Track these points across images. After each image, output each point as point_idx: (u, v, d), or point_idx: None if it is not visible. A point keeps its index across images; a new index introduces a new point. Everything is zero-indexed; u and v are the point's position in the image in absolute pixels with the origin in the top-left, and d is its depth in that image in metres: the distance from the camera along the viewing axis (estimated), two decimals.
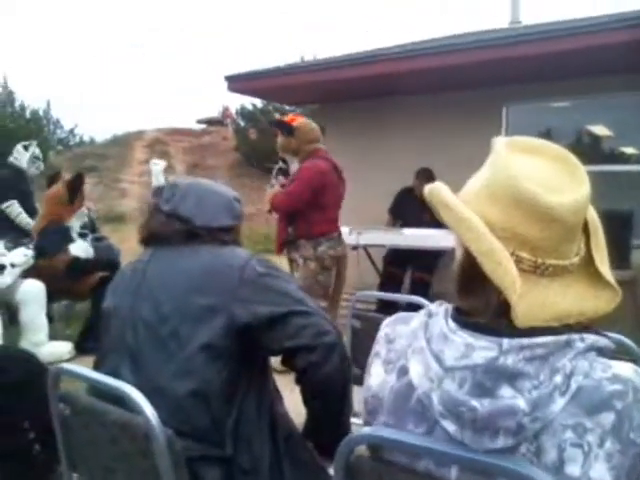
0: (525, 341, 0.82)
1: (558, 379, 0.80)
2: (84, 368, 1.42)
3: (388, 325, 1.04)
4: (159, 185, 5.37)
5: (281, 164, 4.05)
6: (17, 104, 15.15)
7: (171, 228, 1.51)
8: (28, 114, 15.32)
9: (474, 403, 0.82)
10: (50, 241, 4.61)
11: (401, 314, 1.06)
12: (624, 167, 5.55)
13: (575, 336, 0.84)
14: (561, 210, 0.84)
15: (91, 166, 13.19)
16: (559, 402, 0.79)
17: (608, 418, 0.78)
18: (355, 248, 4.93)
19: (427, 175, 5.49)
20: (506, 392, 0.81)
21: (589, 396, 0.80)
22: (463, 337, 0.87)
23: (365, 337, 2.23)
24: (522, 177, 0.86)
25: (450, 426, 0.85)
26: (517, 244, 0.85)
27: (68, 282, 4.48)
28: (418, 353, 0.92)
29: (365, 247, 5.20)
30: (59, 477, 2.37)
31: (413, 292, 4.86)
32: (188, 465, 1.23)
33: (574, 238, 0.89)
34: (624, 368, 0.83)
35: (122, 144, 16.00)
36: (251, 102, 16.03)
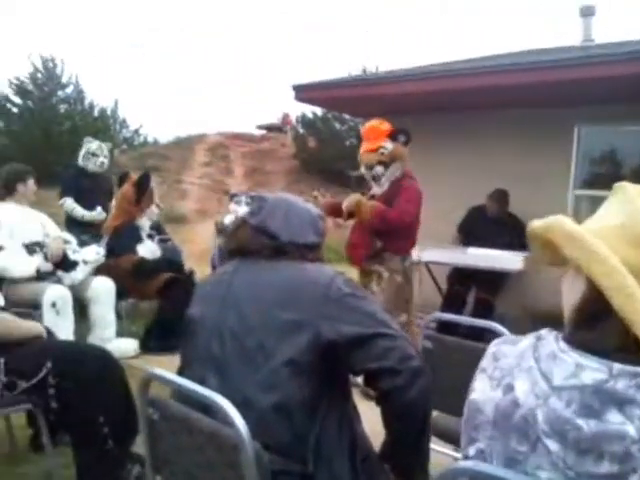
0: (638, 369, 0.81)
1: None
2: (175, 375, 1.46)
3: (495, 344, 1.05)
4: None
5: (364, 172, 3.97)
6: (86, 102, 15.70)
7: (259, 242, 1.54)
8: (96, 112, 15.85)
9: (580, 422, 0.81)
10: (120, 241, 4.77)
11: (509, 336, 1.09)
12: None
13: None
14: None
15: (154, 166, 13.51)
16: None
17: None
18: (416, 264, 4.89)
19: (501, 197, 5.39)
20: (615, 417, 0.80)
21: None
22: (573, 357, 0.87)
23: (438, 359, 2.22)
24: None
25: (553, 445, 0.84)
26: None
27: (134, 282, 4.62)
28: (526, 372, 0.92)
29: (427, 264, 5.15)
30: (128, 474, 2.46)
31: (476, 313, 4.79)
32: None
33: None
34: None
35: (184, 146, 16.37)
36: (311, 110, 16.15)
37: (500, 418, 0.93)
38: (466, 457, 1.00)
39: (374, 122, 3.97)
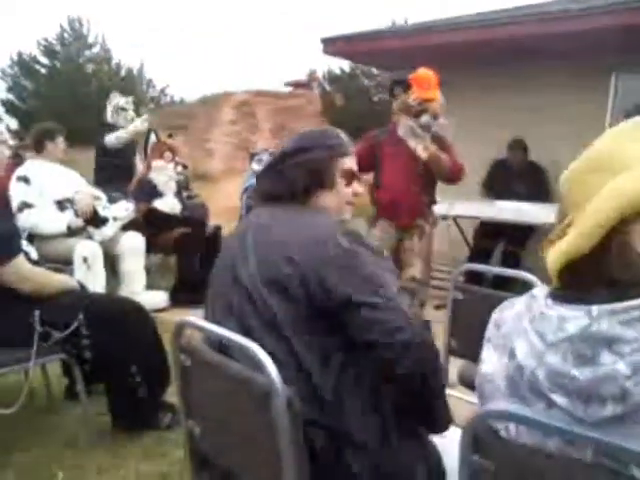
0: (617, 305, 0.82)
1: None
2: (206, 322, 1.45)
3: (497, 311, 1.06)
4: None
5: (411, 123, 3.74)
6: (113, 63, 15.71)
7: (276, 187, 1.52)
8: (123, 72, 15.85)
9: (574, 372, 0.83)
10: (134, 195, 4.84)
11: (509, 300, 1.07)
12: None
13: None
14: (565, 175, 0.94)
15: (180, 125, 13.52)
16: None
17: None
18: (445, 218, 4.84)
19: (521, 146, 5.31)
20: (607, 358, 0.81)
21: None
22: (556, 310, 0.90)
23: (466, 309, 2.20)
24: None
25: (560, 399, 0.86)
26: None
27: (147, 233, 4.62)
28: (523, 334, 0.93)
29: (455, 219, 5.09)
30: (161, 421, 2.52)
31: (503, 266, 4.74)
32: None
33: (570, 204, 0.93)
34: None
35: (210, 105, 16.29)
36: (339, 66, 15.88)
37: (512, 384, 0.94)
38: None
39: (424, 71, 3.81)
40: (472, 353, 1.98)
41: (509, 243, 5.11)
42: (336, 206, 1.53)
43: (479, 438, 0.97)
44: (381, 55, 6.38)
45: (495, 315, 1.05)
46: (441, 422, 1.41)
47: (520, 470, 0.93)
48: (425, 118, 3.67)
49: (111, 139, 5.28)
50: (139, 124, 5.27)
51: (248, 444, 1.32)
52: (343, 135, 1.58)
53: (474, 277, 4.67)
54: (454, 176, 3.74)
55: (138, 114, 5.91)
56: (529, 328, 0.93)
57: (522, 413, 0.90)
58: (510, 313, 1.01)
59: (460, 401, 2.05)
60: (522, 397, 0.92)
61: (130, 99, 5.75)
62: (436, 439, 1.45)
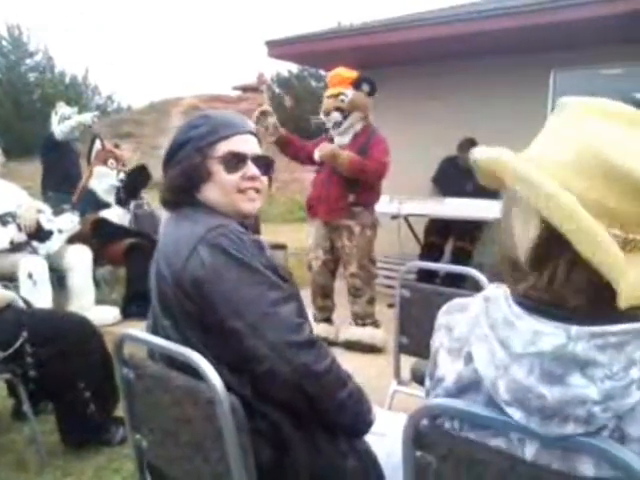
0: (596, 329, 0.79)
1: (635, 373, 0.76)
2: (147, 334, 1.44)
3: (445, 314, 1.02)
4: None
5: (324, 119, 3.84)
6: (56, 70, 15.32)
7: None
8: (67, 80, 15.48)
9: (543, 390, 0.80)
10: (79, 206, 4.74)
11: (453, 302, 1.03)
12: None
13: None
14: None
15: (128, 132, 13.30)
16: (636, 395, 0.76)
17: None
18: (395, 217, 4.89)
19: (471, 145, 5.40)
20: (577, 381, 0.78)
21: None
22: (530, 323, 0.84)
23: (415, 306, 2.23)
24: (614, 150, 0.80)
25: (515, 413, 0.83)
26: (609, 220, 0.79)
27: (95, 245, 4.53)
28: (482, 340, 0.89)
29: (406, 217, 5.15)
30: (113, 436, 2.47)
31: (454, 262, 4.82)
32: None
33: None
34: None
35: (159, 110, 16.07)
36: (287, 69, 15.90)
37: (467, 388, 0.92)
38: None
39: (340, 69, 3.86)
40: (422, 350, 2.02)
41: (459, 240, 5.20)
42: (222, 198, 1.38)
43: (421, 433, 0.98)
44: (325, 56, 6.41)
45: (444, 319, 1.01)
46: (356, 428, 1.39)
47: (462, 465, 0.93)
48: (333, 115, 3.72)
49: (58, 130, 5.47)
50: (87, 116, 5.48)
51: (197, 453, 1.32)
52: (220, 117, 1.44)
53: (426, 275, 4.76)
54: (361, 175, 3.66)
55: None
56: (490, 335, 0.88)
57: (465, 408, 0.90)
58: (462, 317, 0.97)
59: (413, 398, 2.09)
60: (475, 401, 0.90)
61: (75, 109, 5.69)
62: (379, 439, 1.46)
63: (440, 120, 5.84)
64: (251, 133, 1.45)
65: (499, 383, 0.85)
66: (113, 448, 2.44)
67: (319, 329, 3.75)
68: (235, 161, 1.38)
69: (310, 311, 3.83)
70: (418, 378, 2.03)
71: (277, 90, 16.43)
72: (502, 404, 0.84)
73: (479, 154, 0.90)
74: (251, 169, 1.40)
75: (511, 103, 5.50)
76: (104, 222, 4.70)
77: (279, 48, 6.37)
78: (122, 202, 4.97)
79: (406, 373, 2.16)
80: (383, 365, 3.10)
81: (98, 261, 4.59)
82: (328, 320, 4.02)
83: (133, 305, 4.41)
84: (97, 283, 4.59)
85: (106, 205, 4.84)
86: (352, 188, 3.72)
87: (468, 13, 5.41)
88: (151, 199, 5.50)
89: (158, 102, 17.22)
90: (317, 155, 3.73)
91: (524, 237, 0.88)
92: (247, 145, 1.41)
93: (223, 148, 1.38)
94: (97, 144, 5.00)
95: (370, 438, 1.45)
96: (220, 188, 1.38)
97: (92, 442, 2.43)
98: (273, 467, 1.29)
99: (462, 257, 4.96)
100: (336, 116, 3.71)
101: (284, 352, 1.23)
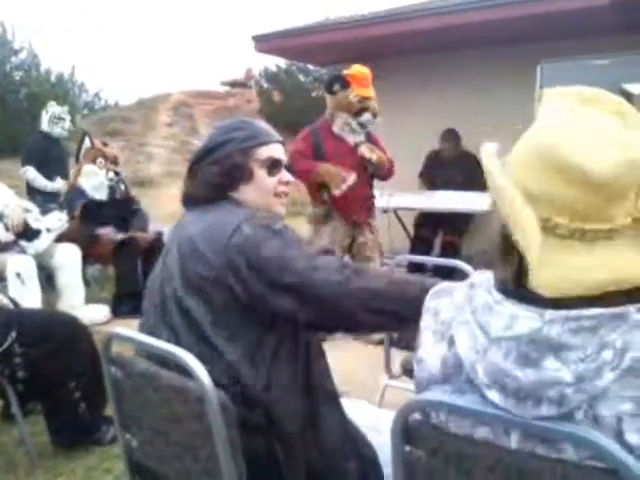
0: (571, 313, 0.80)
1: (608, 355, 0.77)
2: (135, 332, 1.43)
3: (432, 298, 1.03)
4: None
5: (350, 120, 3.78)
6: (42, 69, 15.15)
7: (195, 189, 1.49)
8: (53, 78, 15.31)
9: (517, 373, 0.82)
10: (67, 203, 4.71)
11: (442, 285, 1.05)
12: None
13: (631, 308, 0.79)
14: (602, 175, 0.78)
15: (116, 130, 13.19)
16: (608, 376, 0.77)
17: None
18: (385, 211, 4.90)
19: (453, 136, 5.42)
20: (551, 364, 0.80)
21: None
22: (508, 307, 0.87)
23: None
24: (564, 140, 0.81)
25: (494, 395, 0.85)
26: (555, 209, 0.82)
27: (84, 240, 4.48)
28: (464, 325, 0.91)
29: (395, 210, 5.16)
30: (104, 435, 2.46)
31: (443, 256, 4.83)
32: None
33: (621, 201, 0.81)
34: None
35: (147, 107, 15.96)
36: (275, 64, 15.81)
37: (450, 371, 0.94)
38: None
39: (364, 69, 3.84)
40: (413, 343, 2.02)
41: (448, 234, 5.22)
42: (260, 199, 1.46)
43: (410, 428, 0.98)
44: (313, 51, 6.39)
45: (431, 303, 1.03)
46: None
47: (452, 458, 0.94)
48: (366, 116, 3.70)
49: (50, 129, 5.52)
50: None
51: (187, 451, 1.31)
52: (258, 124, 1.53)
53: (415, 268, 4.77)
54: (390, 174, 3.88)
55: (74, 122, 5.83)
56: (471, 320, 0.91)
57: (452, 402, 0.91)
58: (448, 301, 0.99)
59: (404, 391, 2.09)
60: (455, 387, 0.93)
61: (66, 109, 5.65)
62: (374, 434, 1.47)
63: (428, 113, 5.84)
64: (281, 142, 1.53)
65: (478, 367, 0.87)
66: (104, 448, 2.42)
67: None
68: (274, 166, 1.48)
69: None
70: (409, 372, 2.03)
71: (265, 85, 16.35)
72: (482, 387, 0.86)
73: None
74: (286, 175, 1.51)
75: (498, 95, 5.51)
76: (92, 203, 4.65)
77: (266, 43, 6.35)
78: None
79: (397, 367, 2.17)
80: (374, 359, 3.10)
81: (87, 259, 4.56)
82: None
83: (123, 303, 4.39)
84: (87, 282, 4.56)
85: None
86: (371, 184, 3.88)
87: (455, 5, 5.41)
88: (140, 197, 5.47)
89: (146, 99, 17.08)
90: (375, 157, 3.71)
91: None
92: (281, 153, 1.51)
93: (264, 153, 1.46)
94: (86, 142, 4.97)
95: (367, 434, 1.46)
96: (260, 189, 1.45)
97: (83, 442, 2.42)
98: (270, 462, 1.30)
99: (451, 250, 4.98)
100: (369, 118, 3.73)
101: (341, 285, 1.28)
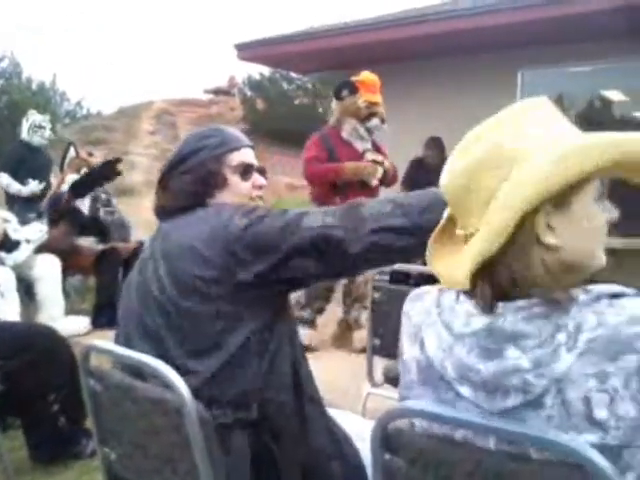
0: (521, 303, 0.85)
1: (562, 337, 0.81)
2: (113, 345, 1.41)
3: (409, 302, 1.06)
4: None
5: (357, 125, 3.83)
6: (23, 77, 15.04)
7: (170, 198, 1.47)
8: (34, 86, 15.21)
9: (480, 366, 0.86)
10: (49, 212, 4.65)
11: (419, 289, 1.07)
12: (638, 133, 5.44)
13: (578, 290, 0.85)
14: (444, 185, 0.94)
15: (99, 138, 13.11)
16: (566, 357, 0.80)
17: (631, 360, 0.79)
18: None
19: (437, 144, 5.45)
20: (512, 353, 0.84)
21: (607, 344, 0.80)
22: (465, 305, 0.91)
23: (386, 308, 2.23)
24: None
25: (466, 390, 0.89)
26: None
27: (65, 252, 4.42)
28: (431, 326, 0.96)
29: None
30: (84, 449, 2.42)
31: (424, 263, 4.85)
32: (220, 433, 1.24)
33: (465, 210, 0.91)
34: None
35: (130, 115, 15.89)
36: (259, 72, 15.84)
37: (424, 373, 0.97)
38: None
39: (372, 75, 3.88)
40: (395, 351, 2.02)
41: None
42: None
43: (389, 436, 0.98)
44: (295, 59, 6.41)
45: (407, 306, 1.06)
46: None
47: (431, 465, 0.94)
48: (375, 122, 3.74)
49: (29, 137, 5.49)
50: None
51: (166, 464, 1.30)
52: (228, 130, 1.54)
53: (400, 276, 4.76)
54: (394, 180, 3.94)
55: (54, 131, 5.79)
56: (438, 320, 0.94)
57: (431, 410, 0.92)
58: (418, 305, 1.02)
59: (386, 399, 2.09)
60: (434, 386, 0.95)
61: (47, 117, 5.62)
62: (360, 443, 1.46)
63: (410, 120, 5.88)
64: (251, 147, 1.54)
65: (446, 364, 0.91)
66: (84, 461, 2.38)
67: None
68: (247, 171, 1.49)
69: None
70: (391, 380, 2.03)
71: (249, 93, 16.36)
72: (453, 383, 0.90)
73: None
74: (259, 179, 1.52)
75: (480, 102, 5.55)
76: (75, 211, 4.59)
77: (249, 51, 6.37)
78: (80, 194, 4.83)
79: (380, 375, 2.16)
80: (357, 367, 3.10)
81: (68, 270, 4.50)
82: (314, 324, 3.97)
83: (104, 314, 4.33)
84: (67, 293, 4.51)
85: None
86: (379, 193, 3.88)
87: (436, 13, 5.47)
88: (119, 206, 5.42)
89: (128, 107, 17.00)
90: (386, 164, 3.79)
91: None
92: (252, 157, 1.52)
93: (236, 158, 1.47)
94: (71, 152, 4.94)
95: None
96: (235, 195, 1.46)
97: (62, 456, 2.38)
98: (269, 460, 1.32)
99: None
100: (377, 123, 3.77)
101: (341, 219, 1.29)
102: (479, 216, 0.87)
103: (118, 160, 4.70)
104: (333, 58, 6.04)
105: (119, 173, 4.68)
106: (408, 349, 1.01)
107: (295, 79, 15.13)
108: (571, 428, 0.80)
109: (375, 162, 3.72)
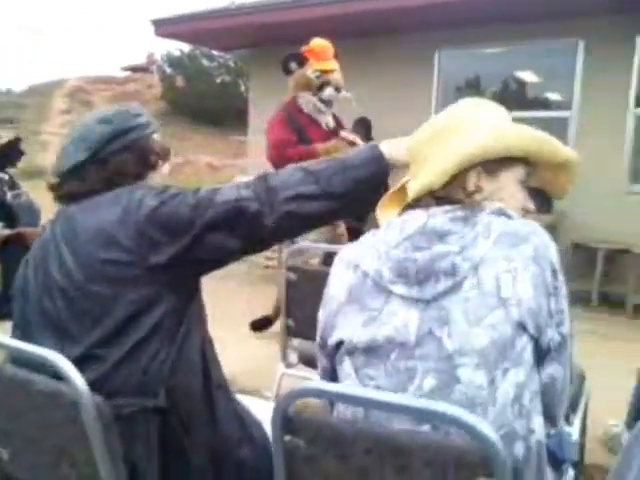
0: (448, 207, 1.04)
1: (479, 228, 0.99)
2: (4, 337, 1.33)
3: (340, 252, 1.15)
4: None
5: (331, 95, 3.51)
6: None
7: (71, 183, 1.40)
8: None
9: (415, 255, 1.00)
10: None
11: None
12: (550, 113, 5.69)
13: (486, 202, 1.07)
14: (412, 142, 1.18)
15: (8, 117, 12.41)
16: (484, 243, 0.98)
17: (528, 248, 0.98)
18: None
19: (365, 124, 5.46)
20: (439, 248, 0.99)
21: (511, 236, 0.99)
22: (400, 218, 1.08)
23: (299, 289, 2.23)
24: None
25: (400, 289, 1.00)
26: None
27: None
28: (368, 249, 1.07)
29: None
30: None
31: (350, 241, 4.88)
32: (126, 421, 1.21)
33: (424, 158, 1.12)
34: (530, 221, 1.05)
35: (42, 93, 15.12)
36: (178, 48, 15.38)
37: (354, 292, 1.06)
38: (324, 347, 1.14)
39: (324, 41, 3.57)
40: (308, 332, 2.02)
41: (347, 220, 5.24)
42: None
43: (289, 418, 0.98)
44: (215, 35, 6.25)
45: (340, 253, 1.14)
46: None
47: (331, 445, 0.95)
48: (328, 91, 3.43)
49: None
50: None
51: (62, 458, 1.25)
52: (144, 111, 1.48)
53: (330, 257, 4.77)
54: None
55: None
56: (373, 241, 1.07)
57: (334, 389, 0.98)
58: (352, 246, 1.13)
59: (300, 379, 2.09)
60: (361, 302, 1.04)
61: None
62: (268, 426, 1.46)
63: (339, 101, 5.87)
64: None
65: (383, 269, 1.02)
66: None
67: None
68: (165, 153, 1.47)
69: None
70: (305, 360, 2.03)
71: (168, 70, 15.87)
72: (388, 285, 1.01)
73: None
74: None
75: (399, 81, 5.62)
76: None
77: (167, 27, 6.16)
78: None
79: (294, 356, 2.16)
80: (272, 350, 3.10)
81: None
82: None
83: (9, 303, 4.11)
84: None
85: None
86: None
87: None
88: (29, 189, 5.15)
89: (40, 84, 16.17)
90: (358, 141, 3.39)
91: None
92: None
93: (157, 140, 1.45)
94: None
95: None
96: (159, 176, 1.44)
97: None
98: (172, 445, 1.29)
99: (355, 236, 5.03)
100: (331, 93, 3.44)
101: (255, 192, 1.29)
102: (432, 160, 1.08)
103: (18, 139, 4.43)
104: (255, 35, 5.92)
105: (22, 152, 4.41)
106: (337, 282, 1.10)
107: (217, 56, 14.81)
108: (484, 307, 0.94)
109: (351, 143, 3.32)
